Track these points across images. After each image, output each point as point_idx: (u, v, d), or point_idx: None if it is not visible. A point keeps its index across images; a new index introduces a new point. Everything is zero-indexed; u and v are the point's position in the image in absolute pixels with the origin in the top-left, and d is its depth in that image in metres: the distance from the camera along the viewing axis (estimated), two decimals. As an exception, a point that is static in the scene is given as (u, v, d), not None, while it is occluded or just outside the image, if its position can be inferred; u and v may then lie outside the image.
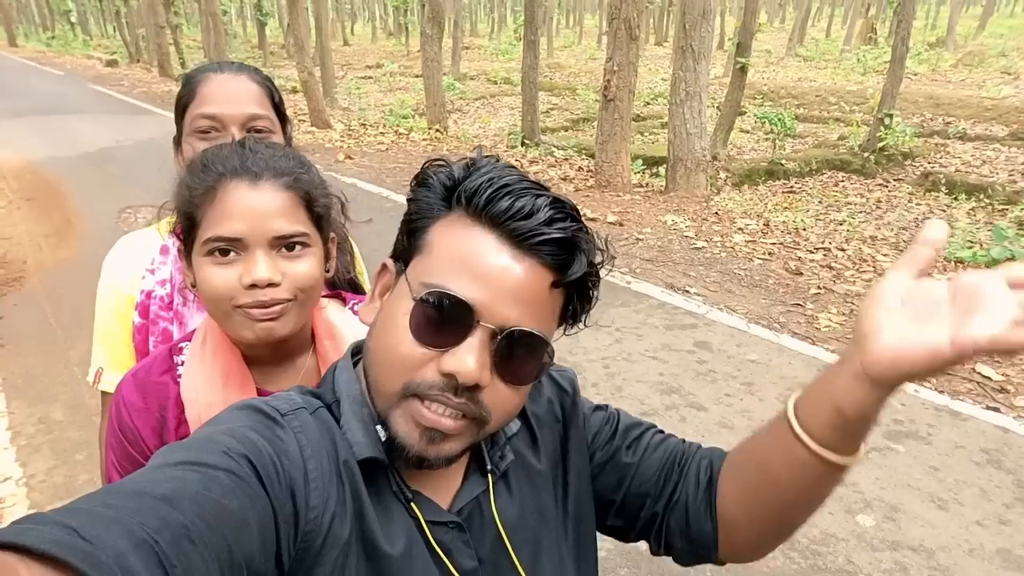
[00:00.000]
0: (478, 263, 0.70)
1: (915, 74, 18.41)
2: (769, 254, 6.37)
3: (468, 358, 0.68)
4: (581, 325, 0.81)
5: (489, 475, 0.83)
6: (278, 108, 1.37)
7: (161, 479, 0.58)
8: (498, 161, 0.75)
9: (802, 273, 5.88)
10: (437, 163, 0.77)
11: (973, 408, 3.95)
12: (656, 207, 7.76)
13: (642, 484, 0.92)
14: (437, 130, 11.91)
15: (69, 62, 28.88)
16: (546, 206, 0.71)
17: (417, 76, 19.79)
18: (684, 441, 0.96)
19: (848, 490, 3.24)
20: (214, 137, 1.27)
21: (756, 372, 4.34)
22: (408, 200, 0.78)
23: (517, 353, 0.72)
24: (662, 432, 0.97)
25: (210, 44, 17.14)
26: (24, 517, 0.49)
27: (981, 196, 9.25)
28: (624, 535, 0.97)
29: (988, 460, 3.48)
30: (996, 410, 3.93)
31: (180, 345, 1.10)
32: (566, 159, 10.69)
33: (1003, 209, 8.80)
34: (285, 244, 0.98)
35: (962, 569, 2.82)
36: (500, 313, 0.70)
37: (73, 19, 43.10)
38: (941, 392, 4.11)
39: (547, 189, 0.74)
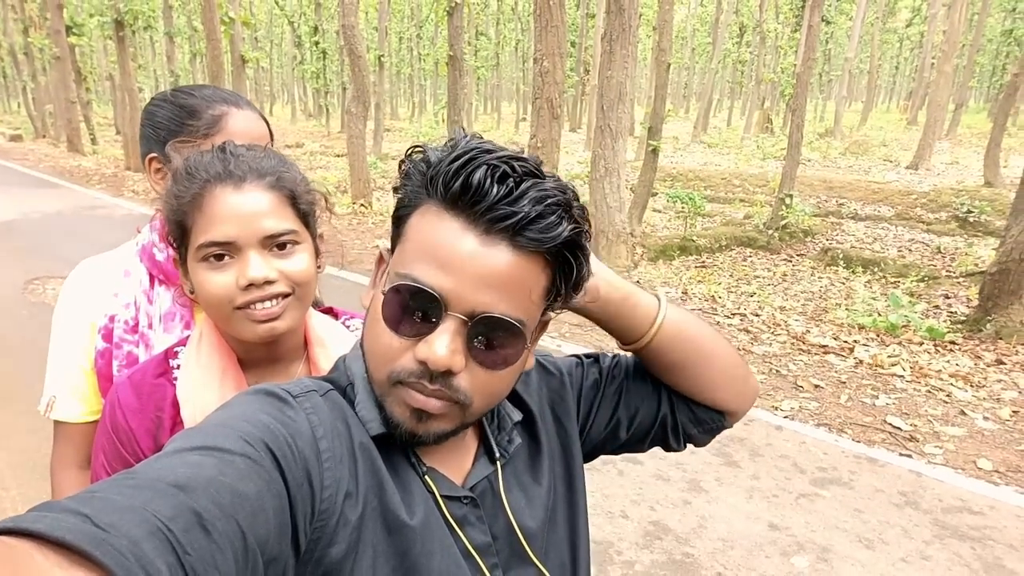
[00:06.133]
0: (443, 251, 0.70)
1: (809, 160, 19.84)
2: (690, 319, 6.64)
3: (438, 346, 0.70)
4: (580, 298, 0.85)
5: (498, 461, 0.86)
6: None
7: (177, 464, 0.58)
8: (476, 138, 0.74)
9: (722, 336, 6.16)
10: (417, 149, 0.77)
11: (889, 455, 4.19)
12: (581, 277, 8.00)
13: (639, 401, 1.00)
14: (362, 205, 11.98)
15: (-33, 137, 27.66)
16: (508, 181, 0.69)
17: (338, 156, 19.92)
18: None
19: (781, 534, 3.36)
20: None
21: (687, 427, 4.46)
22: (393, 189, 0.79)
23: (491, 339, 0.72)
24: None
25: (124, 120, 16.85)
26: (40, 504, 0.49)
27: (875, 269, 9.97)
28: (639, 446, 1.04)
29: (906, 502, 3.69)
30: (909, 456, 4.18)
31: (175, 349, 1.12)
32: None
33: (895, 280, 9.49)
34: (276, 243, 1.00)
35: (892, 604, 2.95)
36: (469, 300, 0.70)
37: (-28, 94, 41.58)
38: (858, 442, 4.35)
39: (518, 159, 0.71)
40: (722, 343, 0.98)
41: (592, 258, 0.83)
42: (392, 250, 0.79)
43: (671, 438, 1.01)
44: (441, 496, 0.79)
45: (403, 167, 0.78)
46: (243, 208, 0.97)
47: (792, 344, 6.04)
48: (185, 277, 1.05)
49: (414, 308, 0.72)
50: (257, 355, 1.08)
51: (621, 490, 3.67)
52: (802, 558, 3.20)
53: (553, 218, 0.70)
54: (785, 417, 4.67)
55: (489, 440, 0.87)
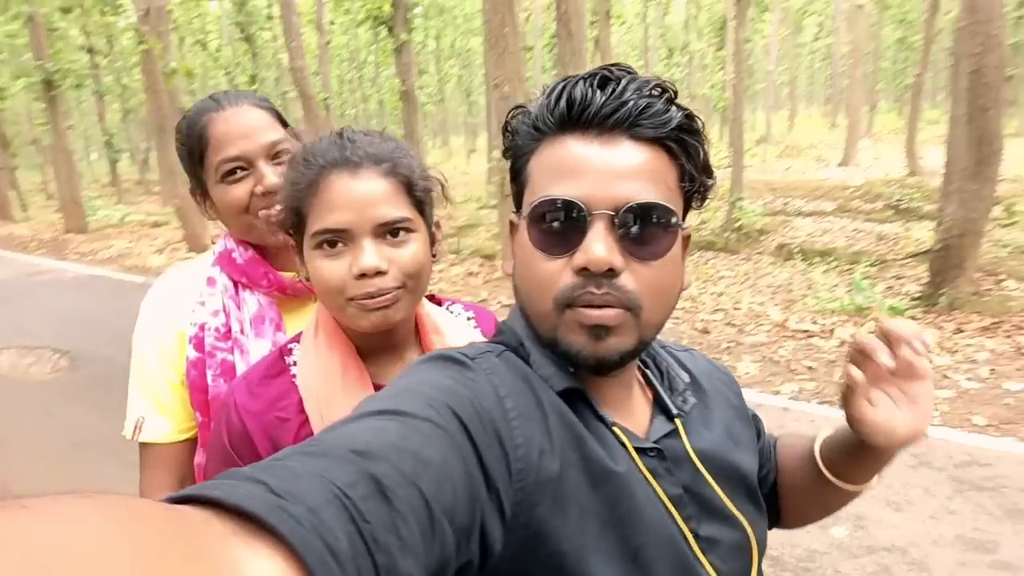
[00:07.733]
0: (570, 163, 0.72)
1: (749, 165, 20.47)
2: (675, 318, 6.81)
3: (594, 248, 0.69)
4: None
5: (676, 419, 0.84)
6: (286, 124, 1.34)
7: (358, 430, 0.58)
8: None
9: (709, 331, 6.34)
10: (517, 110, 0.81)
11: (894, 423, 4.37)
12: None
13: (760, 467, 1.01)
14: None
15: None
16: (609, 85, 0.72)
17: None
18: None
19: (815, 506, 3.48)
20: (242, 177, 1.25)
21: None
22: (503, 152, 0.82)
23: (642, 227, 0.71)
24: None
25: (61, 182, 16.29)
26: (220, 473, 0.50)
27: (830, 259, 10.37)
28: None
29: (920, 463, 3.86)
30: (913, 422, 4.37)
31: (289, 346, 1.11)
32: (469, 257, 10.96)
33: (849, 267, 9.89)
34: (390, 230, 0.99)
35: (933, 558, 3.09)
36: (610, 197, 0.71)
37: None
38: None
39: (614, 65, 0.75)
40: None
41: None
42: (518, 208, 0.81)
43: None
44: (633, 447, 0.78)
45: (508, 128, 0.81)
46: (359, 194, 0.96)
47: (776, 331, 6.25)
48: (301, 264, 1.05)
49: (558, 224, 0.72)
50: (373, 344, 1.07)
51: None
52: (840, 528, 3.32)
53: (661, 104, 0.73)
54: (790, 399, 4.83)
55: (664, 399, 0.86)
